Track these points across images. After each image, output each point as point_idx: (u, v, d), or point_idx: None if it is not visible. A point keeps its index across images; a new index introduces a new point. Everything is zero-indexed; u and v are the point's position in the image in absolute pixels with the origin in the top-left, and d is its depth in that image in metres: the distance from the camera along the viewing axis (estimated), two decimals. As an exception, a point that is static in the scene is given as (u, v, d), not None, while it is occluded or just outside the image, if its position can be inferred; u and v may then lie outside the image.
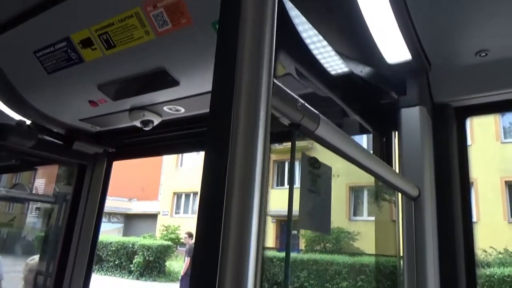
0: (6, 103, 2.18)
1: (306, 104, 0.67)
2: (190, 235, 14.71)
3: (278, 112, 0.63)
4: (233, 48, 0.63)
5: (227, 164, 0.56)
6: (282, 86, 0.62)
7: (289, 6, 1.18)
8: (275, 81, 0.59)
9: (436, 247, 1.45)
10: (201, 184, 0.69)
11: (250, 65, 0.58)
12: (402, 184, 1.21)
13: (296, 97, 0.65)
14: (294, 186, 0.70)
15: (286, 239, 0.76)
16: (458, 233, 1.51)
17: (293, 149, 0.66)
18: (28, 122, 2.33)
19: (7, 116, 2.31)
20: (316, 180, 0.77)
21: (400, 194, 1.44)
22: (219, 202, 0.56)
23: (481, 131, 14.87)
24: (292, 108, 0.64)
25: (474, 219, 14.63)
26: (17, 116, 2.33)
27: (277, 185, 19.82)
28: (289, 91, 0.64)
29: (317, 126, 0.70)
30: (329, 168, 0.82)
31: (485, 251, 13.26)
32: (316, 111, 0.70)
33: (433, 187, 1.44)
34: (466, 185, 1.57)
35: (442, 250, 1.45)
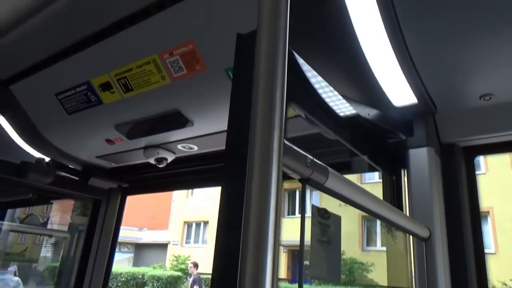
0: (28, 141, 2.28)
1: (315, 160, 0.71)
2: (195, 264, 14.60)
3: (289, 170, 0.67)
4: (246, 112, 0.69)
5: (243, 219, 0.60)
6: (292, 146, 0.66)
7: (295, 56, 1.24)
8: (285, 141, 0.63)
9: (449, 286, 1.44)
10: (218, 219, 0.75)
11: (263, 127, 0.63)
12: (413, 227, 1.22)
13: (305, 154, 0.69)
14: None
15: (298, 281, 0.78)
16: (470, 272, 1.50)
17: (303, 202, 0.70)
18: (47, 159, 2.41)
19: (27, 153, 2.41)
20: (326, 230, 0.80)
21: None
22: (236, 235, 0.61)
23: (496, 160, 14.64)
24: (302, 164, 0.69)
25: (492, 250, 14.16)
26: (36, 154, 2.42)
27: (288, 214, 19.59)
28: (298, 150, 0.68)
29: (326, 179, 0.74)
30: (339, 218, 0.85)
31: (505, 284, 12.74)
32: (324, 165, 0.74)
33: (443, 227, 1.44)
34: (477, 223, 1.58)
35: (455, 290, 1.45)
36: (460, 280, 1.43)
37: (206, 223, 23.88)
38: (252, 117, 0.65)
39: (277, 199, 0.60)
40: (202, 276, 14.77)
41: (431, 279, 1.35)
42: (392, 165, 1.66)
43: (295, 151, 0.67)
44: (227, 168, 0.79)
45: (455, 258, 1.43)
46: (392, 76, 1.31)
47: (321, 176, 0.74)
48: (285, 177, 0.73)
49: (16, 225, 3.65)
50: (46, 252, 3.47)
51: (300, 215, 0.74)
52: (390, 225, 1.95)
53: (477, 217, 1.54)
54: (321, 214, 0.81)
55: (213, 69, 1.52)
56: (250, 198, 0.60)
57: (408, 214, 1.49)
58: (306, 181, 0.71)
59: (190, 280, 14.45)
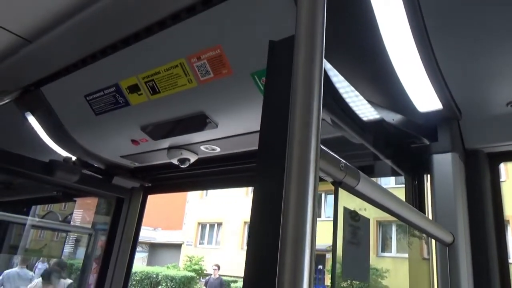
0: (56, 141, 2.36)
1: (348, 164, 0.74)
2: (218, 267, 14.80)
3: (324, 173, 0.70)
4: (281, 116, 0.72)
5: (281, 219, 0.63)
6: (328, 150, 0.69)
7: (324, 61, 1.27)
8: (322, 146, 0.66)
9: (472, 293, 1.44)
10: (251, 219, 0.77)
11: (301, 132, 0.66)
12: (436, 231, 1.23)
13: (339, 158, 0.72)
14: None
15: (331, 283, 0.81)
16: (494, 279, 1.49)
17: (336, 205, 0.72)
18: (73, 158, 2.49)
19: (55, 152, 2.49)
20: (357, 232, 0.82)
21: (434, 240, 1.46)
22: (273, 237, 0.64)
23: (516, 166, 14.27)
24: (336, 168, 0.71)
25: (512, 259, 13.79)
26: (63, 153, 2.51)
27: None
28: (333, 154, 0.71)
29: (358, 182, 0.77)
30: (368, 220, 0.87)
31: (525, 294, 12.39)
32: (356, 169, 0.77)
33: (467, 233, 1.44)
34: (501, 230, 1.57)
35: (478, 297, 1.44)
36: (484, 285, 1.43)
37: (220, 224, 23.97)
38: (290, 122, 0.68)
39: (314, 199, 0.62)
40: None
41: (455, 285, 1.35)
42: (415, 169, 1.66)
43: (329, 155, 0.70)
44: (261, 171, 0.82)
45: (478, 264, 1.43)
46: (418, 82, 1.32)
47: (353, 180, 0.76)
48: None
49: (44, 221, 3.76)
50: (69, 248, 3.57)
51: (332, 220, 0.77)
52: (410, 229, 1.96)
53: (501, 224, 1.53)
54: (352, 216, 0.83)
55: (239, 73, 1.56)
56: (288, 200, 0.63)
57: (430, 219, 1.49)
58: (338, 184, 0.73)
59: (214, 281, 14.53)
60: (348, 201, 0.90)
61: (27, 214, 3.66)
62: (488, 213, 1.51)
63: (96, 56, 1.83)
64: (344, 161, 0.73)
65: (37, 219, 3.69)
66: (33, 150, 2.40)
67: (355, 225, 0.83)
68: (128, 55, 1.74)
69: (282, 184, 0.65)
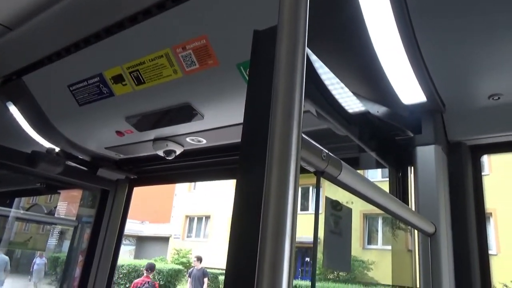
0: (39, 132, 2.31)
1: (330, 154, 0.74)
2: (199, 258, 14.88)
3: (305, 162, 0.70)
4: (263, 107, 0.72)
5: (262, 209, 0.63)
6: (310, 140, 0.69)
7: (308, 51, 1.26)
8: (303, 135, 0.66)
9: (453, 282, 1.47)
10: (233, 210, 0.77)
11: (283, 122, 0.66)
12: (419, 222, 1.25)
13: (321, 148, 0.72)
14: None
15: (312, 275, 0.82)
16: (474, 269, 1.53)
17: (318, 194, 0.72)
18: (57, 149, 2.45)
19: (38, 143, 2.44)
20: (338, 221, 0.83)
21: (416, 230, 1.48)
22: (255, 228, 0.64)
23: (500, 161, 14.59)
24: (318, 157, 0.71)
25: (494, 251, 14.16)
26: (46, 144, 2.46)
27: (299, 210, 19.67)
28: (315, 143, 0.71)
29: (340, 172, 0.77)
30: (350, 210, 0.88)
31: (506, 285, 12.74)
32: (338, 159, 0.77)
33: (448, 223, 1.47)
34: (482, 221, 1.60)
35: (458, 286, 1.47)
36: (464, 276, 1.46)
37: (208, 217, 23.98)
38: (272, 112, 0.67)
39: (295, 189, 0.62)
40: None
41: (436, 275, 1.38)
42: (399, 162, 1.68)
43: (311, 145, 0.70)
44: (243, 161, 0.81)
45: (459, 254, 1.46)
46: (402, 74, 1.33)
47: (335, 170, 0.76)
48: (301, 170, 0.75)
49: (27, 213, 3.70)
50: (53, 241, 3.53)
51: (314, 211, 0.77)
52: (396, 221, 1.99)
53: (482, 215, 1.56)
54: (334, 206, 0.84)
55: (225, 64, 1.54)
56: (269, 190, 0.63)
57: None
58: (320, 174, 0.73)
59: (197, 272, 14.57)
60: (337, 195, 0.90)
61: (10, 206, 3.60)
62: (469, 204, 1.53)
63: (80, 45, 1.80)
64: (326, 151, 0.73)
65: (21, 212, 3.63)
66: (15, 141, 2.35)
67: (337, 214, 0.84)
68: (113, 45, 1.71)
69: (264, 175, 0.65)
